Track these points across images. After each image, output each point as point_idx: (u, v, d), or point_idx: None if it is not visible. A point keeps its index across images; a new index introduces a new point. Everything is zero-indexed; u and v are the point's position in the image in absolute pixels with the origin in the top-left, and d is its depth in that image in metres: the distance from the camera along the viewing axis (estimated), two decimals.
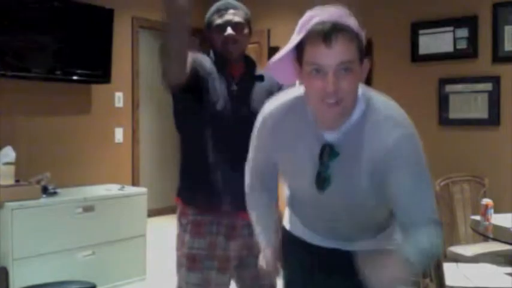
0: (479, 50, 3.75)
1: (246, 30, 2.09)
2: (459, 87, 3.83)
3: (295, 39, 1.33)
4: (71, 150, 4.25)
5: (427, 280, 2.77)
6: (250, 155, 1.61)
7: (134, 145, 4.73)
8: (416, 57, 4.03)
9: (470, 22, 3.77)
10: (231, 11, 2.06)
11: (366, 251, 1.43)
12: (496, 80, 3.66)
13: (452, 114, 3.86)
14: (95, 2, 4.18)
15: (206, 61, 2.05)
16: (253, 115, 1.61)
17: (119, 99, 4.60)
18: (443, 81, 3.89)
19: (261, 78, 2.14)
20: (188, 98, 2.04)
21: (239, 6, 2.11)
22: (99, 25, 4.18)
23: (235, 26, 2.03)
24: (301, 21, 1.36)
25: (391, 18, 4.15)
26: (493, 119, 3.68)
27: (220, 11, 2.08)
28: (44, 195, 3.64)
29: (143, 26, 4.82)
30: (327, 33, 1.26)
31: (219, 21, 2.06)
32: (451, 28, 3.85)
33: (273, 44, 4.85)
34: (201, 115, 2.00)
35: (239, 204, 1.72)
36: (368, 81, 4.46)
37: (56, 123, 4.15)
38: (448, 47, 3.87)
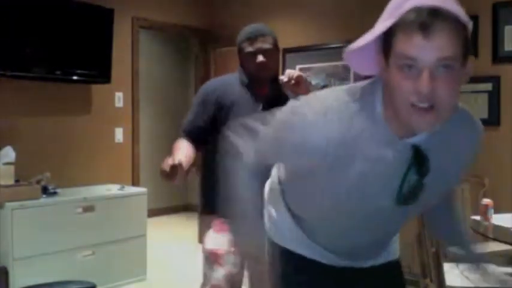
0: (479, 50, 3.75)
1: (275, 55, 2.26)
2: None
3: (383, 25, 1.06)
4: (71, 150, 4.25)
5: (427, 280, 2.77)
6: (273, 150, 1.30)
7: (134, 145, 4.73)
8: None
9: None
10: (261, 38, 2.20)
11: (375, 266, 1.44)
12: (496, 80, 3.66)
13: None
14: (95, 2, 4.18)
15: (231, 86, 2.22)
16: None
17: (119, 99, 4.60)
18: None
19: (286, 97, 2.17)
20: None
21: (268, 32, 2.26)
22: (99, 25, 4.18)
23: (265, 52, 2.18)
24: (392, 3, 1.09)
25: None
26: (493, 119, 3.68)
27: (251, 39, 2.19)
28: (44, 195, 3.64)
29: (143, 26, 4.82)
30: (426, 21, 1.00)
31: (250, 49, 2.19)
32: None
33: None
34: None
35: None
36: None
37: (56, 123, 4.15)
38: None
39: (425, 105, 1.02)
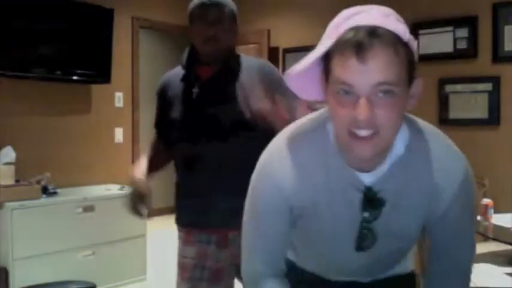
0: (479, 50, 3.75)
1: (229, 30, 1.84)
2: (459, 87, 3.83)
3: (322, 46, 0.97)
4: (71, 150, 4.25)
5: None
6: (253, 232, 1.17)
7: (134, 145, 4.73)
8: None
9: (470, 22, 3.76)
10: (214, 8, 1.81)
11: (382, 279, 1.31)
12: (496, 80, 3.66)
13: (452, 114, 3.86)
14: (95, 2, 4.18)
15: (175, 78, 2.00)
16: (216, 120, 1.68)
17: (119, 99, 4.60)
18: (443, 81, 3.89)
19: (232, 80, 1.85)
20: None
21: (218, 0, 1.83)
22: (99, 25, 4.18)
23: (216, 24, 1.80)
24: (332, 23, 1.00)
25: None
26: (493, 119, 3.68)
27: (203, 8, 1.81)
28: (44, 195, 3.64)
29: (143, 26, 4.82)
30: (362, 43, 0.91)
31: (199, 20, 1.81)
32: (451, 28, 3.85)
33: (273, 44, 4.85)
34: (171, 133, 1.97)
35: (228, 221, 1.67)
36: None
37: (56, 123, 4.15)
38: (448, 47, 3.87)
39: (363, 133, 0.94)
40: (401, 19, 1.00)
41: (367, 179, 1.04)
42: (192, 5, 1.88)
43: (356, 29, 0.92)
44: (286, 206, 1.10)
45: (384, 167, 1.04)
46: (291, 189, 1.07)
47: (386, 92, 0.92)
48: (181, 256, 1.89)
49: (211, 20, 1.79)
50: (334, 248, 1.15)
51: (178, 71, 1.98)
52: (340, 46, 0.93)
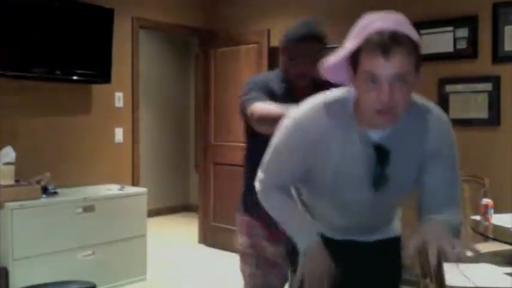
0: (479, 50, 3.74)
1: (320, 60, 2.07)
2: (459, 87, 3.82)
3: (351, 44, 1.31)
4: (71, 150, 4.25)
5: (427, 280, 2.77)
6: (276, 157, 1.53)
7: (134, 145, 4.73)
8: None
9: (470, 22, 3.76)
10: (308, 44, 2.07)
11: (378, 240, 1.65)
12: (496, 80, 3.66)
13: (452, 114, 3.86)
14: (95, 2, 4.18)
15: (270, 81, 2.15)
16: None
17: (119, 99, 4.60)
18: (443, 81, 3.89)
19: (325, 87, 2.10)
20: None
21: (320, 35, 2.13)
22: (99, 25, 4.18)
23: (311, 60, 2.01)
24: (357, 26, 1.33)
25: None
26: (493, 119, 3.68)
27: (298, 41, 2.08)
28: (44, 195, 3.64)
29: (143, 26, 4.82)
30: (386, 45, 1.24)
31: (295, 53, 2.07)
32: (451, 28, 3.85)
33: (273, 44, 4.85)
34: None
35: None
36: None
37: (56, 123, 4.15)
38: (448, 47, 3.87)
39: (385, 109, 1.28)
40: (411, 24, 1.31)
41: (377, 135, 1.41)
42: (292, 31, 2.12)
43: (381, 32, 1.26)
44: (306, 150, 1.44)
45: (390, 126, 1.39)
46: (317, 137, 1.42)
47: (401, 80, 1.26)
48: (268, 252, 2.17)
49: (310, 59, 2.01)
50: (352, 188, 1.46)
51: (273, 79, 2.18)
52: (369, 45, 1.26)
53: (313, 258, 1.47)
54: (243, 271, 2.25)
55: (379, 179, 1.43)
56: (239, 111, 2.16)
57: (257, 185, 1.62)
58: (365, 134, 1.40)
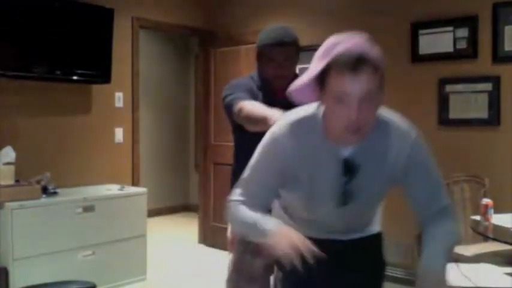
0: (479, 50, 3.74)
1: (295, 64, 2.23)
2: (459, 87, 3.82)
3: (319, 65, 1.35)
4: (71, 150, 4.25)
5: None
6: (252, 173, 1.55)
7: (134, 145, 4.73)
8: (416, 57, 4.02)
9: (470, 22, 3.76)
10: (284, 47, 2.17)
11: (356, 239, 1.68)
12: (496, 80, 3.66)
13: (452, 114, 3.86)
14: (95, 2, 4.18)
15: (251, 85, 2.24)
16: None
17: (119, 99, 4.60)
18: (443, 81, 3.89)
19: None
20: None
21: (293, 39, 2.21)
22: (99, 25, 4.18)
23: (286, 63, 2.18)
24: (324, 47, 1.38)
25: (391, 18, 4.15)
26: (493, 119, 3.68)
27: (274, 46, 2.18)
28: (44, 195, 3.64)
29: (143, 26, 4.82)
30: (354, 64, 1.28)
31: (271, 56, 2.18)
32: (451, 28, 3.85)
33: None
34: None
35: None
36: None
37: (56, 123, 4.15)
38: (448, 47, 3.87)
39: (354, 127, 1.32)
40: (374, 44, 1.36)
41: (346, 152, 1.45)
42: (266, 36, 2.22)
43: (348, 52, 1.30)
44: (282, 166, 1.48)
45: (359, 142, 1.42)
46: (291, 156, 1.45)
47: (369, 98, 1.31)
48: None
49: (286, 61, 2.17)
50: (321, 205, 1.52)
51: (251, 83, 2.28)
52: (337, 65, 1.30)
53: (281, 233, 1.43)
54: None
55: (348, 194, 1.48)
56: (224, 110, 2.23)
57: (231, 200, 1.59)
58: (334, 151, 1.44)
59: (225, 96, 2.24)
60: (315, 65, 1.37)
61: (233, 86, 2.27)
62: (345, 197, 1.48)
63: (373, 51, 1.33)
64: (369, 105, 1.31)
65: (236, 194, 1.58)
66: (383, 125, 1.46)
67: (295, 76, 2.16)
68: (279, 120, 1.54)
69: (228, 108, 2.18)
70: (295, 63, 2.24)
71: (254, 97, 2.19)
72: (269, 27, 2.28)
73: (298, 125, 1.47)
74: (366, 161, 1.45)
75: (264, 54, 2.22)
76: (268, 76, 2.22)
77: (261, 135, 1.61)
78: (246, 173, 1.57)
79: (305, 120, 1.47)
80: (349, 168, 1.45)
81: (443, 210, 1.53)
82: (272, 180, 1.53)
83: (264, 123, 1.84)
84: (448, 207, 1.54)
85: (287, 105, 2.09)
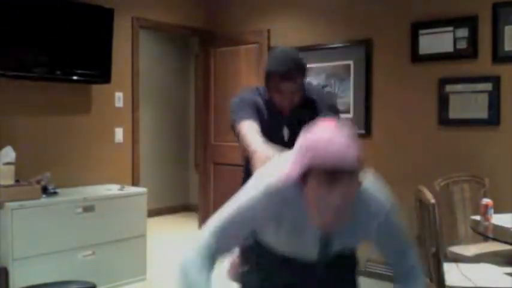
0: (479, 50, 3.74)
1: (301, 91, 2.30)
2: (459, 87, 3.82)
3: (299, 164, 1.36)
4: (71, 150, 4.25)
5: (427, 280, 2.77)
6: (223, 225, 1.53)
7: (134, 145, 4.73)
8: (416, 57, 4.02)
9: (470, 22, 3.76)
10: (292, 81, 2.23)
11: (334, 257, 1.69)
12: (496, 80, 3.66)
13: (452, 114, 3.86)
14: (95, 2, 4.18)
15: (257, 100, 2.34)
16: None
17: (119, 99, 4.60)
18: (443, 81, 3.89)
19: (306, 105, 2.33)
20: None
21: (302, 70, 2.28)
22: (99, 25, 4.18)
23: (293, 93, 2.26)
24: (304, 146, 1.36)
25: (391, 18, 4.15)
26: (493, 119, 3.68)
27: (283, 77, 2.22)
28: (44, 195, 3.64)
29: (143, 26, 4.82)
30: (330, 178, 1.30)
31: (279, 86, 2.24)
32: (451, 28, 3.85)
33: (273, 44, 4.85)
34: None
35: None
36: (368, 82, 4.47)
37: (56, 123, 4.15)
38: (448, 47, 3.87)
39: (332, 226, 1.39)
40: (356, 141, 1.35)
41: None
42: (276, 65, 2.24)
43: (324, 166, 1.29)
44: (258, 229, 1.57)
45: None
46: (267, 223, 1.51)
47: (347, 203, 1.34)
48: None
49: (294, 93, 2.25)
50: (298, 256, 1.62)
51: (258, 98, 2.36)
52: (314, 174, 1.32)
53: None
54: None
55: (324, 251, 1.58)
56: (230, 125, 2.35)
57: (194, 244, 1.61)
58: (313, 229, 1.49)
59: (231, 112, 2.33)
60: (296, 163, 1.38)
61: (240, 101, 2.34)
62: (321, 252, 1.58)
63: (351, 156, 1.31)
64: (347, 205, 1.35)
65: (204, 239, 1.56)
66: (361, 197, 1.47)
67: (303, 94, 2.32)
68: (263, 180, 1.51)
69: (232, 125, 2.31)
70: (302, 90, 2.31)
71: (259, 113, 2.29)
72: (279, 53, 2.32)
73: (278, 196, 1.46)
74: (344, 229, 1.49)
75: (272, 83, 2.26)
76: (275, 102, 2.31)
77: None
78: (218, 220, 1.54)
79: (286, 193, 1.46)
80: (326, 243, 1.55)
81: (413, 270, 1.62)
82: (244, 234, 1.56)
83: (250, 154, 1.96)
84: (417, 268, 1.63)
85: (292, 122, 2.25)
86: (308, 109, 2.31)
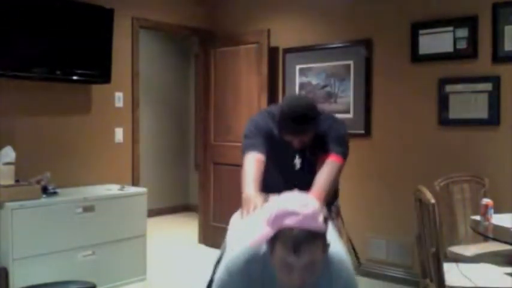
0: (479, 50, 3.74)
1: (312, 135, 2.40)
2: (459, 87, 3.82)
3: (269, 230, 1.51)
4: (71, 150, 4.25)
5: (427, 280, 2.77)
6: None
7: (134, 145, 4.73)
8: (416, 57, 4.02)
9: (470, 22, 3.76)
10: (303, 135, 2.37)
11: None
12: (496, 80, 3.66)
13: (452, 114, 3.86)
14: (95, 2, 4.18)
15: (270, 127, 2.46)
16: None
17: (119, 99, 4.60)
18: (443, 81, 3.89)
19: (317, 137, 2.45)
20: None
21: (314, 123, 2.36)
22: (99, 25, 4.18)
23: (301, 140, 2.40)
24: (274, 214, 1.51)
25: (391, 18, 4.15)
26: (493, 119, 3.68)
27: (296, 135, 2.37)
28: (44, 195, 3.64)
29: (143, 26, 4.82)
30: (297, 244, 1.44)
31: (289, 138, 2.38)
32: (451, 28, 3.85)
33: (273, 44, 4.85)
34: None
35: None
36: (368, 82, 4.46)
37: (56, 123, 4.15)
38: (448, 47, 3.87)
39: (298, 285, 1.49)
40: (321, 211, 1.53)
41: None
42: (287, 121, 2.34)
43: (291, 234, 1.44)
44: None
45: None
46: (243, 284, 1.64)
47: (312, 265, 1.47)
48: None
49: (304, 138, 2.38)
50: None
51: (274, 125, 2.46)
52: (282, 241, 1.46)
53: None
54: None
55: None
56: (241, 149, 2.47)
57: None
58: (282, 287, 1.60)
59: (244, 136, 2.47)
60: (266, 228, 1.52)
61: (254, 128, 2.47)
62: None
63: (319, 221, 1.48)
64: (311, 271, 1.47)
65: None
66: (326, 263, 1.60)
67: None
68: (233, 252, 1.70)
69: (242, 153, 2.44)
70: (311, 133, 2.40)
71: (272, 140, 2.43)
72: (291, 104, 2.37)
73: (252, 264, 1.63)
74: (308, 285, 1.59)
75: (285, 136, 2.39)
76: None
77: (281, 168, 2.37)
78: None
79: (257, 260, 1.63)
80: None
81: None
82: None
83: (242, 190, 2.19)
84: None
85: (303, 151, 2.46)
86: (318, 141, 2.43)
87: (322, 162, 2.38)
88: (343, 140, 2.49)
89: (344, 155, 2.43)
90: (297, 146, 2.40)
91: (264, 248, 1.62)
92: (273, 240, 1.50)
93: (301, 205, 1.49)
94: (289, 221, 1.46)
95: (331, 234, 1.66)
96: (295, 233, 1.44)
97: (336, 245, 1.69)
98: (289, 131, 2.34)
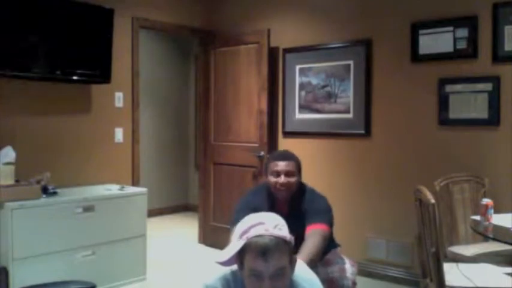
0: (479, 50, 3.75)
1: (295, 177, 2.67)
2: (459, 87, 3.83)
3: (237, 243, 1.61)
4: (71, 150, 4.25)
5: (427, 280, 2.77)
6: None
7: (134, 145, 4.73)
8: (416, 57, 4.03)
9: (470, 22, 3.77)
10: (285, 162, 2.67)
11: None
12: (496, 80, 3.66)
13: (452, 114, 3.86)
14: (94, 2, 4.18)
15: (261, 203, 2.67)
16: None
17: (119, 99, 4.60)
18: (443, 81, 3.89)
19: (303, 217, 2.65)
20: None
21: (294, 156, 2.73)
22: (99, 25, 4.18)
23: (286, 173, 2.65)
24: (242, 227, 1.63)
25: (391, 18, 4.15)
26: (493, 119, 3.68)
27: (276, 162, 2.68)
28: (44, 195, 3.64)
29: (143, 26, 4.82)
30: (264, 249, 1.54)
31: (274, 168, 2.67)
32: (451, 28, 3.85)
33: (273, 44, 4.85)
34: None
35: None
36: (368, 82, 4.46)
37: (56, 123, 4.15)
38: (448, 47, 3.87)
39: None
40: (284, 224, 1.67)
41: None
42: (271, 159, 2.73)
43: (257, 242, 1.56)
44: None
45: None
46: None
47: (280, 273, 1.55)
48: None
49: (289, 172, 2.64)
50: None
51: (260, 199, 2.73)
52: (251, 248, 1.57)
53: None
54: None
55: None
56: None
57: None
58: None
59: (235, 211, 2.67)
60: (235, 242, 1.63)
61: (245, 205, 2.66)
62: None
63: (284, 230, 1.61)
64: (280, 278, 1.55)
65: None
66: (295, 283, 1.70)
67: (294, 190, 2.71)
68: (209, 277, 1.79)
69: (231, 226, 2.52)
70: (294, 175, 2.67)
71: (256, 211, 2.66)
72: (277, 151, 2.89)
73: (229, 280, 1.73)
74: None
75: (269, 167, 2.70)
76: (271, 187, 2.69)
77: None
78: None
79: (226, 278, 1.74)
80: None
81: None
82: None
83: None
84: None
85: (289, 221, 2.54)
86: (301, 219, 2.61)
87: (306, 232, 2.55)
88: (326, 210, 2.66)
89: (330, 223, 2.62)
90: (282, 182, 2.60)
91: (234, 266, 1.72)
92: (241, 254, 1.60)
93: (266, 217, 1.65)
94: (255, 231, 1.59)
95: (300, 264, 1.78)
96: (262, 240, 1.56)
97: (304, 267, 1.81)
98: (275, 157, 2.69)
